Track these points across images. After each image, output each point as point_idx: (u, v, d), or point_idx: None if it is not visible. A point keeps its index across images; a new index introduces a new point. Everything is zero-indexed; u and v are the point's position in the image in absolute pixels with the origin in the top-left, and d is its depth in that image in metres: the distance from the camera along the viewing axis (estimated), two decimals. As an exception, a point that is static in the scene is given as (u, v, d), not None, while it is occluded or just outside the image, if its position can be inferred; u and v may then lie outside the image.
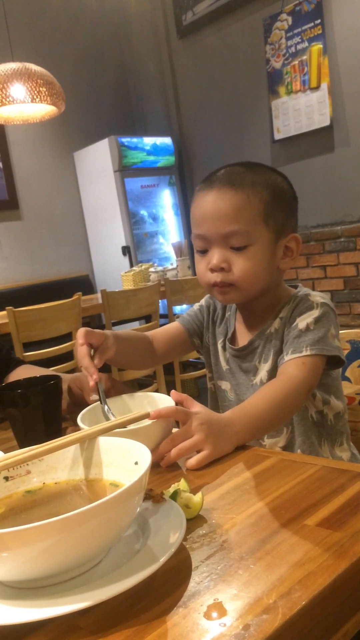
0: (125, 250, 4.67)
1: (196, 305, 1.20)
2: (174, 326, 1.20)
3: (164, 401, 0.89)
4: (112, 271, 4.65)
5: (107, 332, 0.99)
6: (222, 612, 0.45)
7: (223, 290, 1.00)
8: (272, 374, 1.01)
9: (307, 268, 4.13)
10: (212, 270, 0.98)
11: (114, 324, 3.46)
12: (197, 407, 0.80)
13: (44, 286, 4.52)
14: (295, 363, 0.92)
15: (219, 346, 1.13)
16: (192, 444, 0.75)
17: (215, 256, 0.97)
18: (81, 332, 0.94)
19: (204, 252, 1.00)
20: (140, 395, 0.96)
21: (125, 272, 3.96)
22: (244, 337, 1.09)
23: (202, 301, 1.21)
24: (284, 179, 1.04)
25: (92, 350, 0.94)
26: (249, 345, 1.05)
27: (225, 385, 1.12)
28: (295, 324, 0.98)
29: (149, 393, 0.95)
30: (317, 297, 1.02)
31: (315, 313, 0.98)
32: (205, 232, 0.98)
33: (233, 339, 1.11)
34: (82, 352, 0.92)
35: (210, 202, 0.97)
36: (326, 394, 1.03)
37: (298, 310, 1.00)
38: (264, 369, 1.03)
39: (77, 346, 0.94)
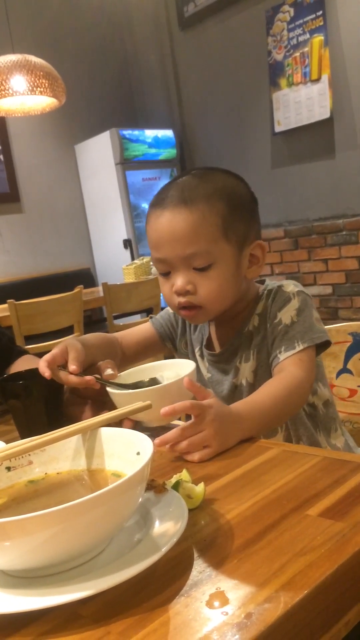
0: (127, 243, 4.66)
1: (170, 308, 1.16)
2: (145, 327, 1.16)
3: (186, 367, 0.89)
4: (114, 264, 4.65)
5: (69, 340, 0.93)
6: (224, 601, 0.45)
7: (190, 315, 0.97)
8: (259, 373, 1.00)
9: (309, 261, 4.13)
10: (178, 294, 0.95)
11: (115, 317, 3.46)
12: (210, 399, 0.77)
13: (46, 279, 4.53)
14: (292, 361, 0.91)
15: (197, 355, 1.11)
16: (201, 440, 0.74)
17: (179, 280, 0.94)
18: (41, 365, 0.87)
19: (166, 274, 0.97)
20: (163, 363, 0.97)
21: (127, 265, 3.96)
22: (221, 341, 1.07)
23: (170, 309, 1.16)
24: (241, 182, 1.01)
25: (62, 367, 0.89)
26: (228, 348, 1.03)
27: None
28: (278, 319, 0.97)
29: (171, 360, 0.96)
30: (290, 286, 1.01)
31: (296, 304, 0.97)
32: (165, 256, 0.94)
33: (210, 345, 1.09)
34: (63, 377, 0.87)
35: (166, 224, 0.93)
36: (314, 383, 1.02)
37: (276, 305, 0.99)
38: (248, 369, 1.02)
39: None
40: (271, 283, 1.05)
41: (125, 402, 0.78)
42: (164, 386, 0.84)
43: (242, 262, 0.98)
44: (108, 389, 0.86)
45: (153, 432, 0.87)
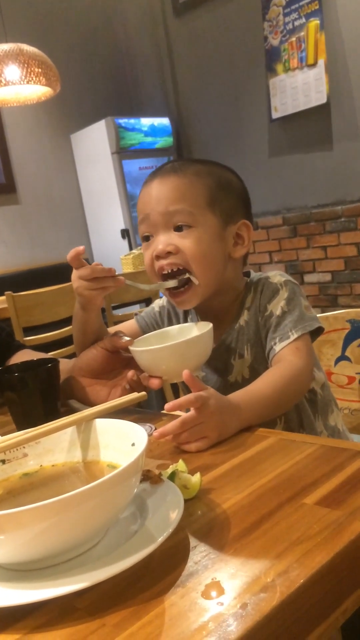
0: (125, 233, 4.64)
1: (156, 306, 1.15)
2: (129, 324, 1.15)
3: (200, 327, 0.92)
4: (112, 254, 4.63)
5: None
6: (220, 591, 0.45)
7: (180, 299, 0.96)
8: (254, 368, 1.00)
9: (308, 249, 4.11)
10: (158, 257, 0.95)
11: (114, 308, 3.45)
12: (209, 390, 0.77)
13: (44, 270, 4.51)
14: (290, 350, 0.91)
15: None
16: (201, 431, 0.73)
17: (160, 241, 0.94)
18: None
19: (148, 239, 0.97)
20: (177, 327, 1.01)
21: (125, 255, 3.95)
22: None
23: (156, 306, 1.15)
24: (232, 173, 1.03)
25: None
26: (220, 345, 1.02)
27: None
28: (268, 311, 0.96)
29: (186, 324, 1.01)
30: (277, 276, 1.00)
31: (284, 294, 0.97)
32: (149, 212, 0.95)
33: None
34: (88, 268, 0.90)
35: (154, 189, 0.96)
36: None
37: (265, 297, 0.98)
38: (244, 365, 1.01)
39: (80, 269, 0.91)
40: (256, 275, 1.04)
41: (150, 359, 0.85)
42: (185, 341, 0.85)
43: (226, 238, 0.98)
44: (131, 347, 0.88)
45: (153, 423, 0.87)
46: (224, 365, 1.03)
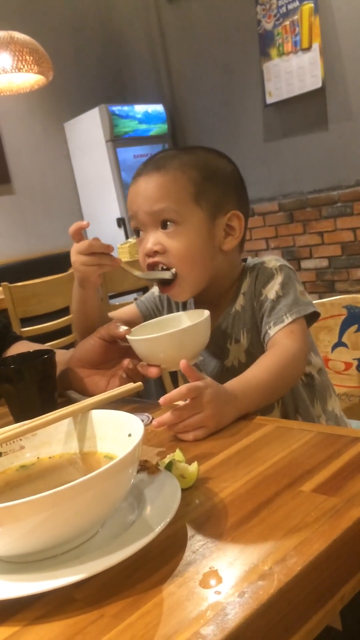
0: (120, 222, 4.62)
1: (156, 291, 1.16)
2: (129, 309, 1.17)
3: (198, 315, 0.92)
4: (108, 243, 4.60)
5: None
6: (218, 580, 0.45)
7: (164, 288, 0.98)
8: (250, 352, 1.00)
9: (304, 235, 4.10)
10: (148, 255, 0.97)
11: (111, 297, 3.45)
12: (206, 380, 0.77)
13: (40, 261, 4.49)
14: (283, 334, 0.91)
15: None
16: (198, 421, 0.74)
17: (149, 240, 0.96)
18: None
19: (139, 234, 1.00)
20: (179, 313, 1.01)
21: (121, 244, 3.93)
22: None
23: (156, 292, 1.16)
24: (223, 158, 1.02)
25: None
26: (216, 330, 1.02)
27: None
28: (263, 296, 0.97)
29: (183, 312, 1.01)
30: (272, 261, 1.00)
31: (279, 278, 0.97)
32: (135, 211, 0.97)
33: None
34: (86, 242, 0.93)
35: (140, 187, 0.97)
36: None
37: (260, 282, 0.98)
38: (240, 349, 1.01)
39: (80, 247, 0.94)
40: (252, 260, 1.05)
41: (147, 348, 0.85)
42: (183, 330, 0.86)
43: (215, 231, 0.98)
44: (129, 337, 0.88)
45: (151, 412, 0.87)
46: (221, 350, 1.03)
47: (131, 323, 1.13)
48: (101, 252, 0.95)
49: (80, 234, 0.95)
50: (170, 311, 1.13)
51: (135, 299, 1.19)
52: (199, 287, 1.00)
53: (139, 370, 0.88)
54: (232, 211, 0.99)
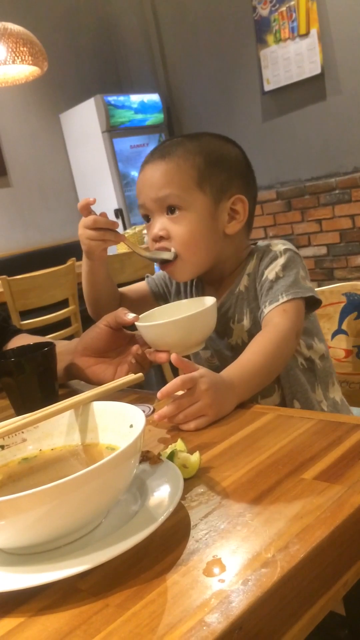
0: (118, 213, 4.61)
1: None
2: (140, 285, 1.21)
3: (205, 302, 0.93)
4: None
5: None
6: (222, 568, 0.45)
7: (168, 270, 1.02)
8: (253, 333, 1.00)
9: (302, 222, 4.09)
10: (154, 240, 1.01)
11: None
12: (200, 369, 0.77)
13: (38, 253, 4.48)
14: (276, 312, 0.92)
15: None
16: (197, 410, 0.74)
17: (155, 226, 1.00)
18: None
19: (149, 219, 1.03)
20: (184, 301, 1.02)
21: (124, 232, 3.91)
22: None
23: None
24: (229, 143, 1.04)
25: None
26: (220, 309, 1.03)
27: (204, 353, 1.11)
28: (264, 276, 0.98)
29: (190, 299, 1.03)
30: (279, 245, 1.02)
31: (281, 260, 0.98)
32: (143, 200, 1.02)
33: None
34: (92, 217, 0.99)
35: (146, 175, 1.01)
36: (309, 338, 1.04)
37: (264, 263, 1.00)
38: (243, 329, 1.02)
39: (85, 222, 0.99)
40: (262, 243, 1.06)
41: (156, 334, 0.86)
42: (190, 315, 0.86)
43: (219, 216, 1.00)
44: (137, 323, 0.89)
45: (152, 403, 0.88)
46: (224, 329, 1.05)
47: (143, 299, 1.18)
48: (106, 228, 0.99)
49: (88, 209, 1.00)
50: (178, 290, 1.16)
51: (147, 276, 1.23)
52: (200, 268, 1.03)
53: (147, 357, 0.89)
54: (236, 195, 1.00)
